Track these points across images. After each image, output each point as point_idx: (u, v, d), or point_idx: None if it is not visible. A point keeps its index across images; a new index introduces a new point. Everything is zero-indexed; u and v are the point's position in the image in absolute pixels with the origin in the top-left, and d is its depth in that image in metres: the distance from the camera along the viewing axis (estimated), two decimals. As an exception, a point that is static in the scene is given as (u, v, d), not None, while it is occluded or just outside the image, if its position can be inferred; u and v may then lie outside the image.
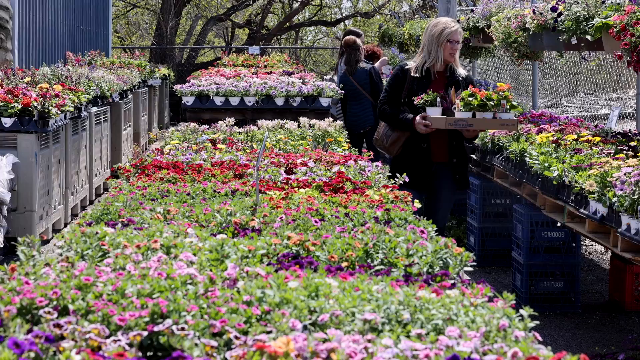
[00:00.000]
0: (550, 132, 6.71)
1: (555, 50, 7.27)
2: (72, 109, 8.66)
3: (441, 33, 6.12)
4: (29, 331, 2.19)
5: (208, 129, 7.19)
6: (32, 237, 2.82)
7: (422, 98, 6.02)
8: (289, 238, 3.21)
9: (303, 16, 28.15)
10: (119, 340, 2.15)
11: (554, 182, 5.72)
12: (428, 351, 2.12)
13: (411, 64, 6.25)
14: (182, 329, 2.21)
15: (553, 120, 7.48)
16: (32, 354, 2.03)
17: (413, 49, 14.57)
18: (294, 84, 9.68)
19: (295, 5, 26.38)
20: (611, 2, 5.73)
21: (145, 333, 2.21)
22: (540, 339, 2.34)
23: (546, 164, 5.86)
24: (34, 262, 2.73)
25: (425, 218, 3.82)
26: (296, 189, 4.53)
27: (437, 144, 6.19)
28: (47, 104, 7.92)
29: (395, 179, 4.77)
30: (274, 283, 2.53)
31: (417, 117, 6.02)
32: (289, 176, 4.91)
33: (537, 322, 2.52)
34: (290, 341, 2.09)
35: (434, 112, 6.00)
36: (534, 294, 6.72)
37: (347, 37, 9.74)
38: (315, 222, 3.57)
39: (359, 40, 9.74)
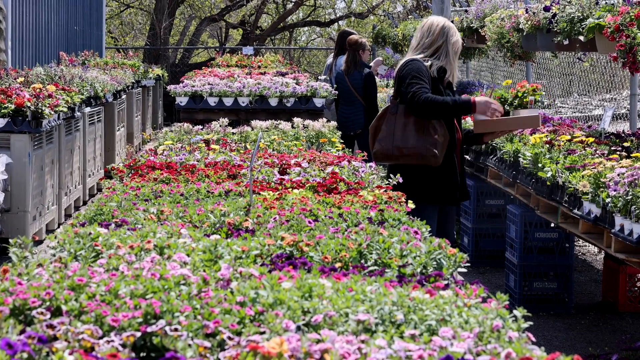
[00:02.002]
0: (543, 132, 6.72)
1: (548, 51, 7.28)
2: (65, 110, 8.65)
3: (458, 45, 5.53)
4: (22, 332, 2.18)
5: (202, 129, 7.19)
6: (24, 238, 2.81)
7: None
8: (282, 239, 3.20)
9: (297, 16, 28.15)
10: (112, 340, 2.15)
11: (548, 183, 5.73)
12: (422, 352, 2.12)
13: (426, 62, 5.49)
14: (176, 329, 2.21)
15: (546, 121, 7.49)
16: (25, 355, 2.02)
17: (407, 49, 14.58)
18: (287, 84, 9.67)
19: (289, 5, 26.38)
20: (605, 3, 5.73)
21: (138, 334, 2.20)
22: (534, 339, 2.34)
23: (540, 165, 5.86)
24: (27, 263, 2.73)
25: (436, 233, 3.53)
26: (290, 189, 4.53)
27: (458, 151, 5.59)
28: (40, 105, 7.91)
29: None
30: (268, 284, 2.52)
31: (482, 98, 5.32)
32: (282, 177, 4.91)
33: (531, 322, 2.52)
34: (283, 342, 2.09)
35: (481, 115, 5.47)
36: (527, 295, 6.73)
37: (352, 37, 9.71)
38: (309, 222, 3.57)
39: (364, 42, 9.71)
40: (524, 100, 5.93)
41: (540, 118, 5.67)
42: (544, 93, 5.67)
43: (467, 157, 7.97)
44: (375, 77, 10.12)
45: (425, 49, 5.50)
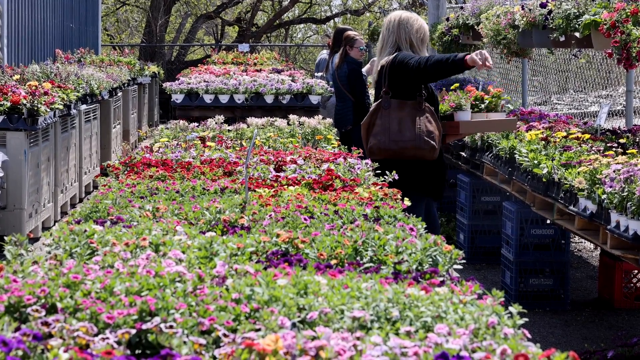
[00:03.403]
0: (539, 129, 6.72)
1: (544, 48, 7.29)
2: (61, 107, 8.64)
3: (422, 32, 5.75)
4: (17, 329, 2.18)
5: (197, 126, 7.18)
6: (19, 235, 2.81)
7: (455, 103, 5.76)
8: (278, 236, 3.20)
9: (293, 14, 28.13)
10: (107, 338, 2.15)
11: (544, 180, 5.73)
12: (417, 349, 2.12)
13: None
14: (171, 326, 2.21)
15: (542, 118, 7.49)
16: (20, 352, 2.02)
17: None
18: (283, 81, 9.67)
19: (285, 2, 26.35)
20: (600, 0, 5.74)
21: (133, 331, 2.20)
22: (529, 336, 2.35)
23: (535, 161, 5.87)
24: (22, 260, 2.72)
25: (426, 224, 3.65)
26: (285, 186, 4.52)
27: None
28: (36, 102, 7.90)
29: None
30: (263, 281, 2.52)
31: (476, 54, 5.31)
32: (278, 174, 4.91)
33: (526, 319, 2.52)
34: (278, 339, 2.09)
35: (465, 116, 5.88)
36: (523, 291, 6.73)
37: (349, 32, 9.68)
38: (305, 219, 3.56)
39: (359, 39, 9.67)
40: (494, 104, 6.09)
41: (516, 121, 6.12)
42: (510, 99, 5.97)
43: (462, 153, 7.97)
44: (372, 76, 10.08)
45: (392, 46, 5.66)
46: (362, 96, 9.40)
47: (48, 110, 8.12)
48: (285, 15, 26.91)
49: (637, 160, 4.96)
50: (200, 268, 2.73)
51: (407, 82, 5.50)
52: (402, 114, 5.48)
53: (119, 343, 2.16)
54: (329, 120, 7.62)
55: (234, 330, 2.28)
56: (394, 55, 5.60)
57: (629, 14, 5.14)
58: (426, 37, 5.71)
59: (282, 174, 4.89)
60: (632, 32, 5.04)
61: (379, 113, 5.56)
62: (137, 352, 2.20)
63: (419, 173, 5.52)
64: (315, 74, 11.01)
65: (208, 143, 6.12)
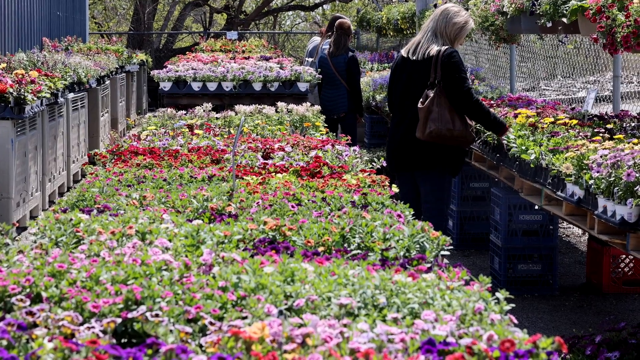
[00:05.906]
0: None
1: (532, 34, 7.28)
2: (48, 95, 8.59)
3: (457, 27, 5.90)
4: (1, 319, 2.17)
5: (185, 114, 7.16)
6: (4, 224, 2.80)
7: None
8: (265, 223, 3.19)
9: (281, 1, 28.04)
10: (93, 327, 2.14)
11: (531, 165, 5.73)
12: (404, 335, 2.11)
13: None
14: (157, 315, 2.20)
15: (530, 104, 7.49)
16: (4, 342, 2.01)
17: (391, 33, 14.55)
18: (271, 69, 9.64)
19: (273, -11, 26.26)
20: (587, -15, 5.72)
21: (119, 320, 2.19)
22: (515, 321, 2.34)
23: (523, 147, 5.87)
24: (7, 250, 2.71)
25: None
26: (273, 174, 4.52)
27: None
28: (23, 90, 7.86)
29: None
30: (250, 268, 2.51)
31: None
32: (266, 161, 4.90)
33: (513, 305, 2.52)
34: (265, 327, 2.08)
35: None
36: (512, 277, 6.74)
37: (343, 21, 9.75)
38: (292, 207, 3.56)
39: (351, 28, 9.81)
40: None
41: None
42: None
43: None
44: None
45: (432, 32, 5.86)
46: (358, 83, 9.57)
47: (35, 98, 8.07)
48: (274, 2, 26.83)
49: (624, 145, 4.97)
50: (186, 256, 2.72)
51: (450, 84, 5.74)
52: (450, 104, 5.75)
53: (104, 332, 2.15)
54: (317, 107, 7.61)
55: (221, 319, 2.27)
56: (448, 51, 5.76)
57: (615, -1, 5.13)
58: (461, 34, 5.90)
59: (269, 162, 4.88)
60: (618, 17, 5.04)
61: (436, 99, 5.73)
62: (122, 341, 2.20)
63: (456, 154, 5.92)
64: (306, 59, 11.00)
65: (196, 131, 6.10)
